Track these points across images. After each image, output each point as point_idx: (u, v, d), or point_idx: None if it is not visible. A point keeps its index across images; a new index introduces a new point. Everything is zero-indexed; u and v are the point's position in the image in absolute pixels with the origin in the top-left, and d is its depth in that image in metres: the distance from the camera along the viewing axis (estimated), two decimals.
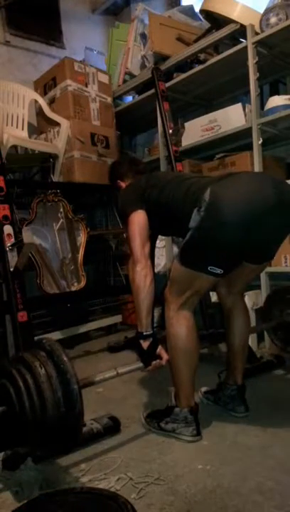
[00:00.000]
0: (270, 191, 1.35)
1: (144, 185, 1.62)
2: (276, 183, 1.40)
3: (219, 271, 1.39)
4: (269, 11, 2.35)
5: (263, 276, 2.40)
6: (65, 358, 1.13)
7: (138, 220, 1.54)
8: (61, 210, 2.81)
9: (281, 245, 1.52)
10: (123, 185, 1.91)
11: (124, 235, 3.16)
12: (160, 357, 1.52)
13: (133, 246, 1.52)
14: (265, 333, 2.42)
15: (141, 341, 1.50)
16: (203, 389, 1.80)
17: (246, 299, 2.40)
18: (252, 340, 2.41)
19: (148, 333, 1.50)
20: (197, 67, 2.81)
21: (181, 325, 1.47)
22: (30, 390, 1.09)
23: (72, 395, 1.11)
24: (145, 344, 1.50)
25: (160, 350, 1.52)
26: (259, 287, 2.44)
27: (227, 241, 1.37)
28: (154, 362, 1.51)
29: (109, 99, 3.26)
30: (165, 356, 1.51)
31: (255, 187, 1.38)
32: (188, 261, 1.44)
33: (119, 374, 1.44)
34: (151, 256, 1.58)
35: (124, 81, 3.36)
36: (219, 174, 1.56)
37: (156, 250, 2.69)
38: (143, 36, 3.23)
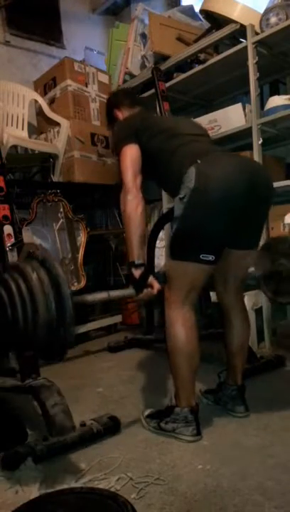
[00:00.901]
0: (245, 174, 1.42)
1: (139, 123, 1.63)
2: (249, 166, 1.48)
3: (211, 257, 1.42)
4: (269, 10, 2.35)
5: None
6: (57, 265, 1.15)
7: (131, 152, 1.55)
8: (61, 210, 2.81)
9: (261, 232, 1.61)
10: (120, 115, 1.87)
11: (124, 234, 3.17)
12: (151, 286, 1.52)
13: (125, 177, 1.53)
14: (265, 333, 2.42)
15: (133, 270, 1.50)
16: (203, 389, 1.80)
17: (246, 299, 2.41)
18: (252, 340, 2.41)
19: (140, 262, 1.49)
20: (197, 67, 2.80)
21: (181, 325, 1.47)
22: (22, 293, 1.11)
23: (64, 298, 1.11)
24: (137, 273, 1.49)
25: (151, 279, 1.52)
26: (258, 287, 2.44)
27: (213, 226, 1.41)
28: (146, 290, 1.51)
29: None
30: (156, 286, 1.51)
31: (234, 172, 1.43)
32: (179, 253, 1.46)
33: (111, 296, 1.47)
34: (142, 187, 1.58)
35: (124, 81, 3.35)
36: (203, 147, 1.55)
37: (156, 250, 2.69)
38: (143, 36, 3.22)
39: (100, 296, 1.43)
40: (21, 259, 1.25)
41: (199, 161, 1.42)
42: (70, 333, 1.14)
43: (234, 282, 1.65)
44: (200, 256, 1.41)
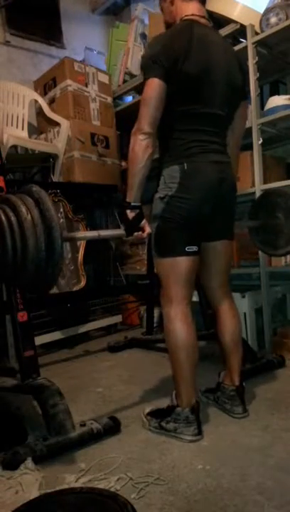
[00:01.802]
0: (217, 179, 1.50)
1: (182, 59, 1.40)
2: (222, 173, 1.53)
3: (195, 248, 1.50)
4: (269, 10, 2.35)
5: (263, 276, 2.39)
6: (51, 206, 1.16)
7: (158, 90, 1.41)
8: (61, 210, 2.81)
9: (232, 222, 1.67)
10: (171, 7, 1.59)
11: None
12: (143, 229, 1.54)
13: (143, 112, 1.43)
14: (265, 333, 2.42)
15: (128, 211, 1.52)
16: (203, 388, 1.79)
17: (246, 298, 2.41)
18: (253, 341, 2.41)
19: (135, 204, 1.50)
20: None
21: (179, 320, 1.48)
22: (14, 232, 1.13)
23: (54, 241, 1.14)
24: (131, 215, 1.52)
25: (144, 223, 1.54)
26: (259, 287, 2.44)
27: (191, 221, 1.48)
28: (136, 233, 1.53)
29: (109, 99, 3.26)
30: (147, 229, 1.54)
31: (208, 177, 1.49)
32: (164, 250, 1.50)
33: (101, 236, 1.49)
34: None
35: (124, 81, 3.35)
36: (199, 144, 1.50)
37: None
38: (143, 36, 3.23)
39: (90, 234, 1.45)
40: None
41: (185, 166, 1.46)
42: (57, 273, 1.19)
43: (217, 277, 1.66)
44: (186, 248, 1.47)
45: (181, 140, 1.50)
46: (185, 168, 1.46)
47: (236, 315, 1.69)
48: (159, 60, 1.40)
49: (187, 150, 1.49)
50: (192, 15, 1.53)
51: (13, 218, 1.14)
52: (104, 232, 1.50)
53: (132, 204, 1.49)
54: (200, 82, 1.45)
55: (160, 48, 1.42)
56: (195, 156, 1.49)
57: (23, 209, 1.14)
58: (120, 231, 1.54)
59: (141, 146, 1.43)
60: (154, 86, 1.41)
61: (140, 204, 1.51)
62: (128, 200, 1.50)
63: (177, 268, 1.49)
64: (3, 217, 1.15)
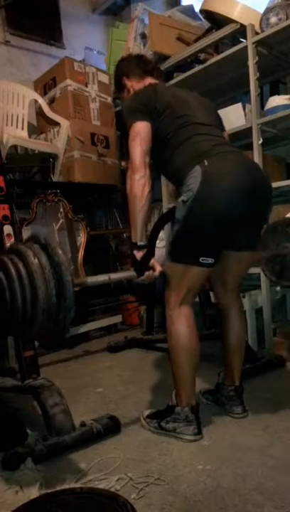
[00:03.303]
0: (248, 182, 1.41)
1: (152, 103, 1.54)
2: (253, 172, 1.46)
3: (210, 260, 1.43)
4: (269, 10, 2.35)
5: (263, 276, 2.39)
6: (59, 251, 1.12)
7: (143, 130, 1.49)
8: (61, 210, 2.81)
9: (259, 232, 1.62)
10: (128, 84, 1.78)
11: (124, 235, 3.17)
12: (153, 268, 1.50)
13: (133, 154, 1.48)
14: (265, 333, 2.42)
15: (135, 252, 1.49)
16: (203, 389, 1.80)
17: (246, 299, 2.41)
18: (253, 340, 2.41)
19: (142, 243, 1.49)
20: (197, 67, 2.80)
21: (181, 323, 1.48)
22: (23, 279, 1.08)
23: (65, 286, 1.09)
24: (139, 255, 1.49)
25: (153, 261, 1.51)
26: (259, 287, 2.44)
27: (214, 231, 1.41)
28: (147, 272, 1.50)
29: (109, 99, 3.26)
30: (158, 268, 1.50)
31: (237, 178, 1.42)
32: (178, 257, 1.46)
33: (111, 279, 1.45)
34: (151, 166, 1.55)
35: None
36: (209, 142, 1.49)
37: (156, 250, 2.69)
38: (143, 36, 3.22)
39: (101, 278, 1.40)
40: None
41: (206, 162, 1.40)
42: (69, 320, 1.13)
43: (233, 283, 1.65)
44: (200, 259, 1.42)
45: (189, 146, 1.48)
46: (206, 164, 1.40)
47: (243, 317, 1.70)
48: (135, 107, 1.53)
49: (200, 148, 1.46)
50: (150, 84, 1.70)
51: (20, 265, 1.10)
52: (115, 276, 1.45)
53: (139, 244, 1.48)
54: (177, 102, 1.57)
55: (133, 101, 1.59)
56: (213, 152, 1.44)
57: (30, 254, 1.10)
58: (131, 273, 1.50)
59: (139, 185, 1.45)
60: (138, 127, 1.50)
61: (146, 243, 1.49)
62: (133, 240, 1.49)
63: (187, 277, 1.46)
64: (11, 266, 1.10)
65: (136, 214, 1.46)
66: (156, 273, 1.50)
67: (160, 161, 1.58)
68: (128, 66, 1.82)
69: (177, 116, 1.54)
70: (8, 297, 1.08)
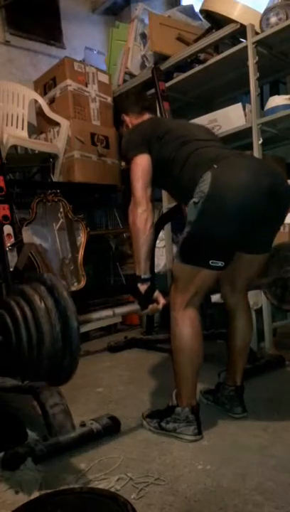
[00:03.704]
0: (264, 181, 1.38)
1: (150, 132, 1.59)
2: (269, 172, 1.43)
3: (220, 263, 1.40)
4: (269, 10, 2.35)
5: None
6: (66, 295, 1.11)
7: (142, 163, 1.53)
8: (61, 210, 2.82)
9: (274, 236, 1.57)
10: (127, 120, 1.84)
11: (124, 235, 3.17)
12: (157, 301, 1.51)
13: (135, 188, 1.51)
14: (265, 333, 2.42)
15: (139, 285, 1.50)
16: (203, 389, 1.79)
17: (247, 299, 2.41)
18: (253, 341, 2.40)
19: (146, 276, 1.49)
20: (197, 67, 2.80)
21: (186, 325, 1.47)
22: (29, 323, 1.08)
23: (72, 331, 1.08)
24: (142, 288, 1.50)
25: (157, 294, 1.51)
26: (259, 287, 2.44)
27: (226, 233, 1.38)
28: (151, 306, 1.51)
29: (109, 99, 3.26)
30: (162, 301, 1.51)
31: (251, 177, 1.39)
32: (188, 258, 1.44)
33: (116, 314, 1.45)
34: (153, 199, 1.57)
35: (124, 81, 3.35)
36: (215, 152, 1.49)
37: (156, 250, 2.69)
38: (143, 36, 3.23)
39: (105, 313, 1.41)
40: (27, 284, 1.19)
41: (215, 166, 1.38)
42: (75, 365, 1.13)
43: (241, 284, 1.65)
44: (210, 262, 1.39)
45: (196, 156, 1.46)
46: (216, 167, 1.37)
47: (251, 319, 1.70)
48: (135, 141, 1.58)
49: (208, 156, 1.44)
50: (148, 118, 1.78)
51: (27, 309, 1.09)
52: (119, 310, 1.45)
53: (143, 277, 1.49)
54: (176, 127, 1.63)
55: (132, 134, 1.64)
56: (221, 158, 1.42)
57: (37, 299, 1.09)
58: (135, 306, 1.50)
59: (142, 219, 1.47)
60: (139, 160, 1.53)
61: (150, 276, 1.50)
62: (138, 274, 1.50)
63: (195, 278, 1.44)
64: (17, 310, 1.10)
65: (139, 247, 1.48)
66: (160, 306, 1.51)
67: (170, 183, 1.59)
68: (126, 103, 1.91)
69: (177, 136, 1.56)
70: (14, 341, 1.08)
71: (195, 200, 1.39)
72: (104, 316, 1.41)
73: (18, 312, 1.09)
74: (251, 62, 2.41)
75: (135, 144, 1.57)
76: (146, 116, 1.81)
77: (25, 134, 2.95)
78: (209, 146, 1.54)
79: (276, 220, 1.52)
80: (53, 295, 1.11)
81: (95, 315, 1.39)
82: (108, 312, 1.42)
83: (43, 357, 1.07)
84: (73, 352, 1.09)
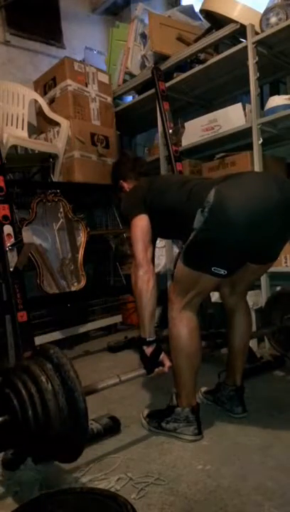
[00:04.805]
0: (273, 191, 1.34)
1: (146, 189, 1.62)
2: (279, 182, 1.39)
3: (223, 272, 1.38)
4: (269, 10, 2.35)
5: (263, 276, 2.39)
6: (73, 375, 1.11)
7: (141, 224, 1.55)
8: (61, 210, 2.81)
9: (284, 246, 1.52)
10: (125, 185, 1.91)
11: (124, 235, 3.17)
12: (162, 363, 1.51)
13: (135, 250, 1.53)
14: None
15: (144, 347, 1.49)
16: (203, 389, 1.80)
17: (247, 298, 2.41)
18: (252, 341, 2.40)
19: (151, 339, 1.49)
20: (197, 67, 2.81)
21: (184, 326, 1.47)
22: (36, 406, 1.07)
23: (79, 413, 1.09)
24: (148, 350, 1.49)
25: (163, 356, 1.51)
26: (259, 287, 2.44)
27: (231, 242, 1.35)
28: (157, 369, 1.50)
29: (109, 99, 3.26)
30: (167, 363, 1.50)
31: (259, 187, 1.37)
32: (191, 261, 1.43)
33: (122, 381, 1.42)
34: (153, 259, 1.59)
35: (124, 81, 3.36)
36: (222, 175, 1.50)
37: (156, 250, 2.69)
38: (143, 36, 3.23)
39: (111, 381, 1.40)
40: (32, 359, 1.19)
41: (219, 185, 1.37)
42: (84, 443, 1.14)
43: (241, 287, 1.65)
44: (212, 268, 1.37)
45: (197, 186, 1.47)
46: (220, 185, 1.36)
47: (250, 320, 1.70)
48: (133, 203, 1.61)
49: (210, 182, 1.45)
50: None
51: (34, 391, 1.08)
52: (125, 377, 1.43)
53: (148, 340, 1.49)
54: (171, 177, 1.73)
55: (130, 197, 1.69)
56: (229, 177, 1.42)
57: (44, 380, 1.09)
58: (141, 371, 1.49)
59: (144, 280, 1.48)
60: (138, 221, 1.56)
61: (155, 338, 1.50)
62: (142, 336, 1.49)
63: (196, 282, 1.44)
64: (24, 392, 1.09)
65: (143, 309, 1.48)
66: (166, 369, 1.50)
67: (178, 222, 1.53)
68: (124, 170, 1.96)
69: (175, 181, 1.61)
70: (21, 422, 1.08)
71: (202, 208, 1.36)
72: (110, 385, 1.40)
73: (24, 393, 1.09)
74: (251, 62, 2.41)
75: (133, 206, 1.60)
76: (143, 179, 1.82)
77: (25, 134, 2.95)
78: (209, 179, 1.58)
79: (285, 231, 1.46)
80: (60, 374, 1.11)
81: (101, 384, 1.37)
82: (114, 380, 1.40)
83: (51, 439, 1.08)
84: (82, 433, 1.10)
